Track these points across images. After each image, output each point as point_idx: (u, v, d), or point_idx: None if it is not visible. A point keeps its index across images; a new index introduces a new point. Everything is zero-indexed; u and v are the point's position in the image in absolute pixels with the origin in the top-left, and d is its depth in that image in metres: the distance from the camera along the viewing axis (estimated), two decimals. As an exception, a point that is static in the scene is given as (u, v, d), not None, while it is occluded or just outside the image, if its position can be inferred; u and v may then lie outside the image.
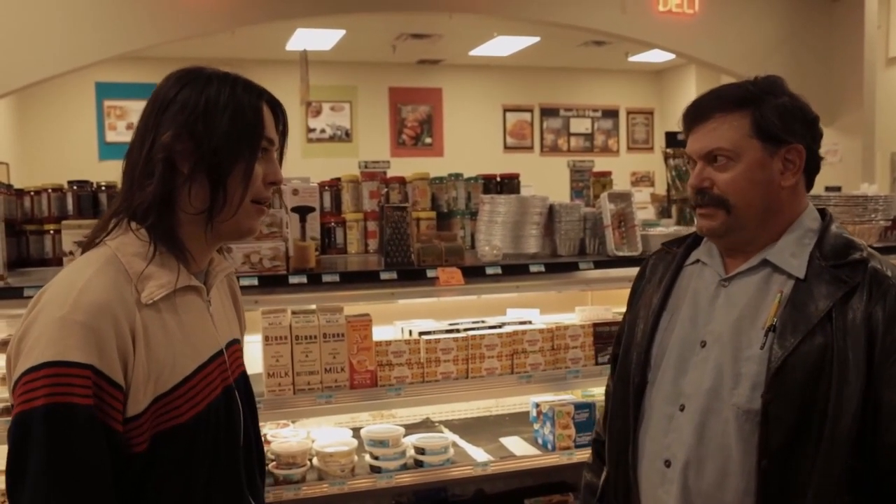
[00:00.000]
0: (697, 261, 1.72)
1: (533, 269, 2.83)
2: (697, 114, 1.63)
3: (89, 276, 1.28)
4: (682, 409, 1.60)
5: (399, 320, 3.02)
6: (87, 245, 1.39)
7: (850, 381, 1.45)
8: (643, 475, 1.66)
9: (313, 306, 2.69)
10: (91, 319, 1.22)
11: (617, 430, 1.75)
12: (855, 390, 1.44)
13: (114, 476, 1.24)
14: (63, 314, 1.22)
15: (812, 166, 1.62)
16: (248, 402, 1.56)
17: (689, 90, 10.85)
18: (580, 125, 11.70)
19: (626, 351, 1.77)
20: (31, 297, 1.32)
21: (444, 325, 2.93)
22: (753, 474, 1.50)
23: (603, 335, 2.94)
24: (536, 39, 9.47)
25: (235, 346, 1.55)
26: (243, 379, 1.55)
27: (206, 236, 1.40)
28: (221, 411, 1.41)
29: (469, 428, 3.15)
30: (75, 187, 3.03)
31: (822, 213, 1.66)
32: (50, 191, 3.01)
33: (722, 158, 1.58)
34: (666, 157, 3.82)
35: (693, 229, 1.77)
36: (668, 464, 1.60)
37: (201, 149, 1.34)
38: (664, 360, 1.66)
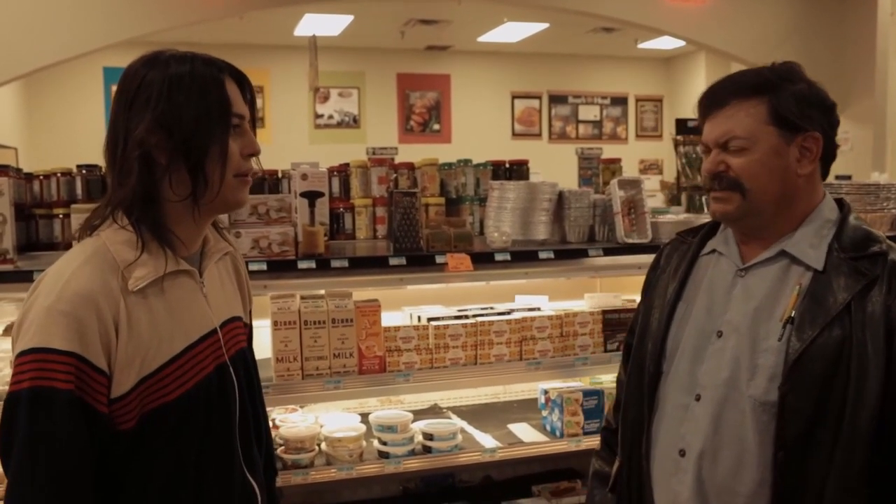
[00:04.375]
0: (713, 251, 1.70)
1: (542, 255, 2.82)
2: (714, 100, 1.61)
3: (76, 268, 1.35)
4: (697, 398, 1.59)
5: (408, 306, 3.02)
6: (81, 234, 1.45)
7: (869, 374, 1.43)
8: (657, 465, 1.66)
9: (322, 291, 2.69)
10: (74, 309, 1.30)
11: (631, 419, 1.74)
12: (875, 384, 1.43)
13: (102, 452, 1.32)
14: (49, 303, 1.30)
15: (828, 154, 1.60)
16: (248, 379, 1.59)
17: (699, 77, 10.79)
18: (589, 112, 11.65)
19: (640, 341, 1.76)
20: (40, 281, 1.36)
21: (452, 311, 2.92)
22: (769, 466, 1.49)
23: (612, 322, 2.93)
24: (545, 26, 9.42)
25: (234, 324, 1.58)
26: (241, 356, 1.58)
27: (195, 217, 1.44)
28: (213, 389, 1.46)
29: (477, 414, 3.15)
30: (84, 171, 3.03)
31: (840, 203, 1.64)
32: (59, 175, 3.01)
33: (736, 146, 1.56)
34: (676, 145, 3.79)
35: (704, 218, 1.76)
36: (682, 453, 1.60)
37: (174, 138, 1.37)
38: (679, 349, 1.65)
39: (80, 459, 1.29)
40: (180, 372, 1.40)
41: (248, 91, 1.49)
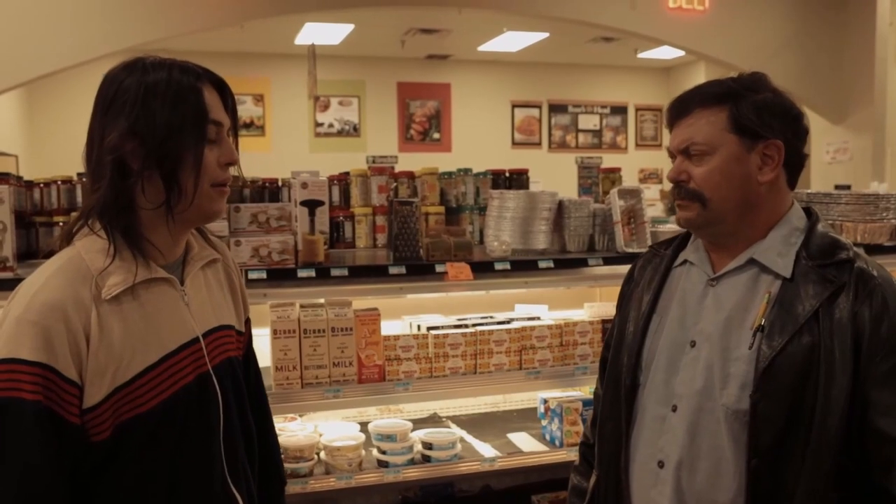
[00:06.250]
0: (685, 262, 1.73)
1: (542, 264, 2.82)
2: (679, 109, 1.64)
3: (47, 277, 1.34)
4: (674, 409, 1.61)
5: (407, 315, 3.02)
6: (60, 242, 1.43)
7: (837, 380, 1.45)
8: (635, 477, 1.66)
9: (322, 300, 2.69)
10: (42, 319, 1.29)
11: (609, 432, 1.75)
12: (842, 389, 1.45)
13: (75, 461, 1.31)
14: (19, 314, 1.30)
15: (794, 162, 1.62)
16: (237, 389, 1.55)
17: (699, 87, 10.82)
18: (588, 121, 11.68)
19: (616, 353, 1.77)
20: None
21: (452, 320, 2.92)
22: (744, 473, 1.50)
23: (611, 332, 2.93)
24: (545, 35, 9.45)
25: (222, 332, 1.54)
26: (229, 365, 1.54)
27: (170, 227, 1.41)
28: (192, 399, 1.43)
29: (476, 423, 3.15)
30: (84, 179, 3.03)
31: (808, 211, 1.66)
32: (59, 183, 3.01)
33: (697, 153, 1.59)
34: (676, 154, 3.80)
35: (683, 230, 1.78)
36: (661, 465, 1.61)
37: (147, 145, 1.35)
38: (654, 361, 1.67)
39: (50, 470, 1.27)
40: (156, 382, 1.37)
41: (230, 98, 1.47)
